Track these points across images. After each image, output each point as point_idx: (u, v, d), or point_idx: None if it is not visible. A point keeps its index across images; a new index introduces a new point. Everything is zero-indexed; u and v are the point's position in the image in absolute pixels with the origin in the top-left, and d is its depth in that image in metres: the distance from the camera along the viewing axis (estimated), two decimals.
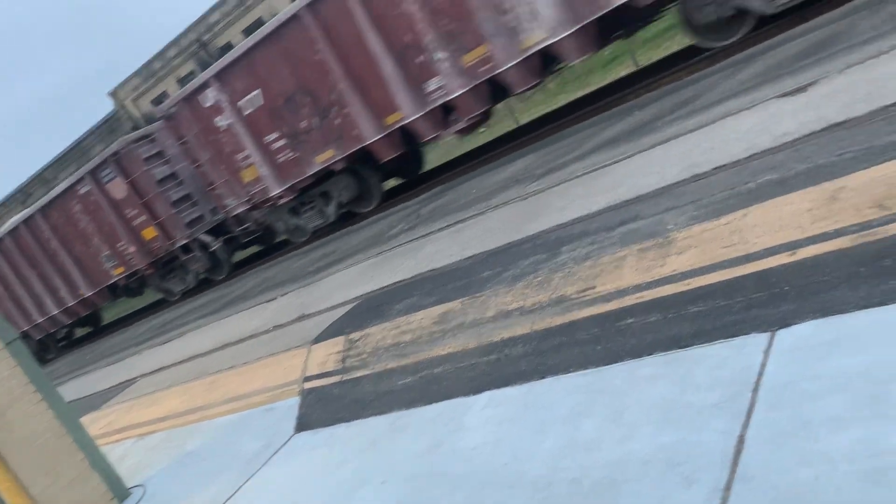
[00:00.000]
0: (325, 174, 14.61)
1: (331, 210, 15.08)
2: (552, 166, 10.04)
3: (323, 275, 11.58)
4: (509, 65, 11.54)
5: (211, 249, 18.39)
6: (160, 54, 40.89)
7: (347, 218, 15.39)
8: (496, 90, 12.10)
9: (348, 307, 8.64)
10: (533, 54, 11.28)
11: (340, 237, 14.78)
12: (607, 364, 4.32)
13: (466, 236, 8.90)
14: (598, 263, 5.77)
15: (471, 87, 11.99)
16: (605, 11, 10.41)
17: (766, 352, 3.53)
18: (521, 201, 9.13)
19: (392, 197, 15.16)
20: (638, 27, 12.34)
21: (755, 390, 3.30)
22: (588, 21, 10.59)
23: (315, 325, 8.65)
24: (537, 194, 8.98)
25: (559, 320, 5.26)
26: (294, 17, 13.07)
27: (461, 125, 12.60)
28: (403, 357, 6.28)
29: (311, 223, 15.64)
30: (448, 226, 10.07)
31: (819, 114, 6.14)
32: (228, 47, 36.43)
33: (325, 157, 14.13)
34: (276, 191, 15.19)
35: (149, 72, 41.73)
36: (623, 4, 10.32)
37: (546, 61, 11.66)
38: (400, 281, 8.54)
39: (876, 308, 3.39)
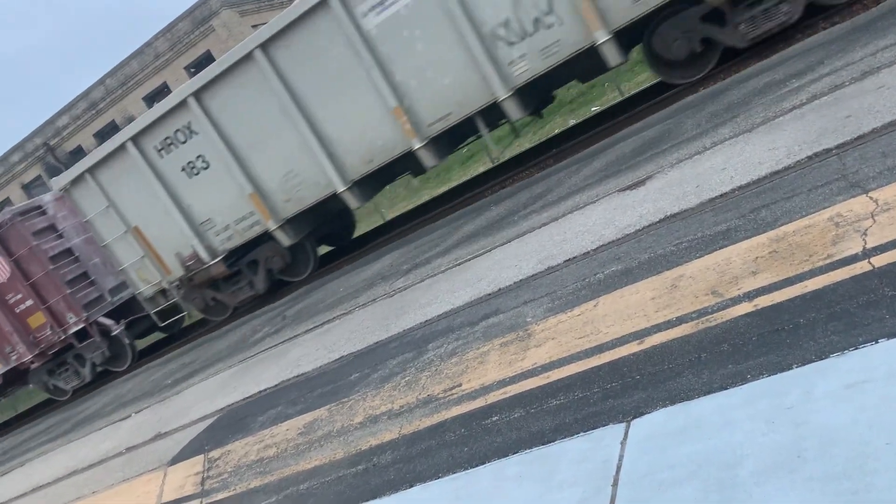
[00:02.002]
0: None
1: None
2: (417, 261, 10.14)
3: (182, 387, 10.92)
4: None
5: None
6: (2, 159, 38.57)
7: None
8: None
9: (209, 422, 8.15)
10: None
11: (202, 344, 14.10)
12: (474, 466, 4.26)
13: (333, 337, 8.73)
14: (464, 360, 5.79)
15: None
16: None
17: (623, 443, 3.60)
18: (387, 298, 9.11)
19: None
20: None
21: (615, 484, 3.34)
22: None
23: (172, 445, 8.06)
24: (403, 291, 9.00)
25: (427, 422, 5.18)
26: None
27: None
28: (267, 474, 5.94)
29: None
30: (315, 327, 9.86)
31: (656, 206, 6.60)
32: (79, 151, 34.96)
33: None
34: None
35: None
36: (9, 369, 16.72)
37: None
38: (264, 390, 8.19)
39: (718, 393, 3.57)
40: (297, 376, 7.99)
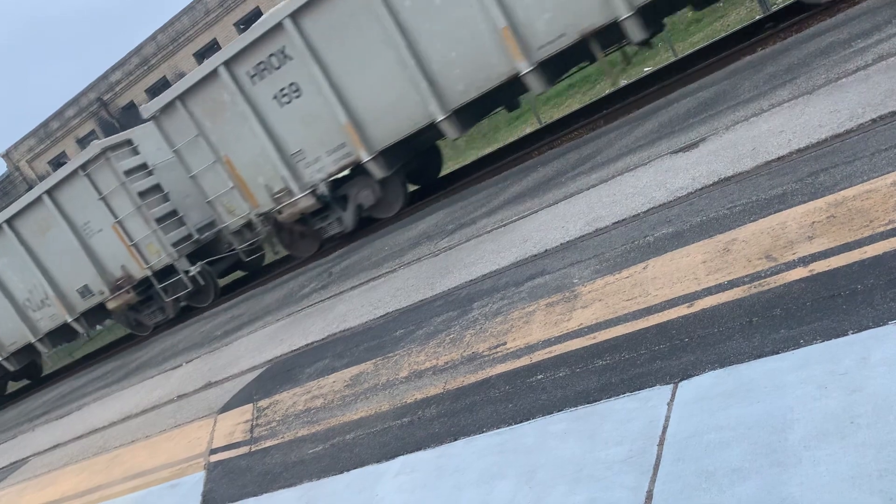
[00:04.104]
0: None
1: None
2: (462, 222, 10.14)
3: (231, 338, 11.21)
4: None
5: None
6: (58, 114, 39.48)
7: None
8: None
9: (257, 372, 8.37)
10: None
11: (250, 298, 14.40)
12: (519, 422, 4.31)
13: (379, 294, 8.83)
14: (509, 319, 5.81)
15: None
16: None
17: (670, 404, 3.60)
18: (432, 257, 9.15)
19: None
20: None
21: (661, 444, 3.35)
22: None
23: (222, 393, 8.32)
24: (448, 250, 9.03)
25: (472, 378, 5.24)
26: None
27: None
28: (314, 424, 6.09)
29: None
30: (361, 284, 9.98)
31: (710, 169, 6.47)
32: (131, 106, 35.58)
33: None
34: None
35: (45, 132, 40.17)
36: None
37: None
38: (311, 343, 8.36)
39: (769, 357, 3.53)
40: (344, 331, 8.13)
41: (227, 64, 12.92)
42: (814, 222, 4.50)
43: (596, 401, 4.05)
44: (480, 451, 4.22)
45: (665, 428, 3.44)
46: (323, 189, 13.10)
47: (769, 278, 4.18)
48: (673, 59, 14.77)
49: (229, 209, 14.24)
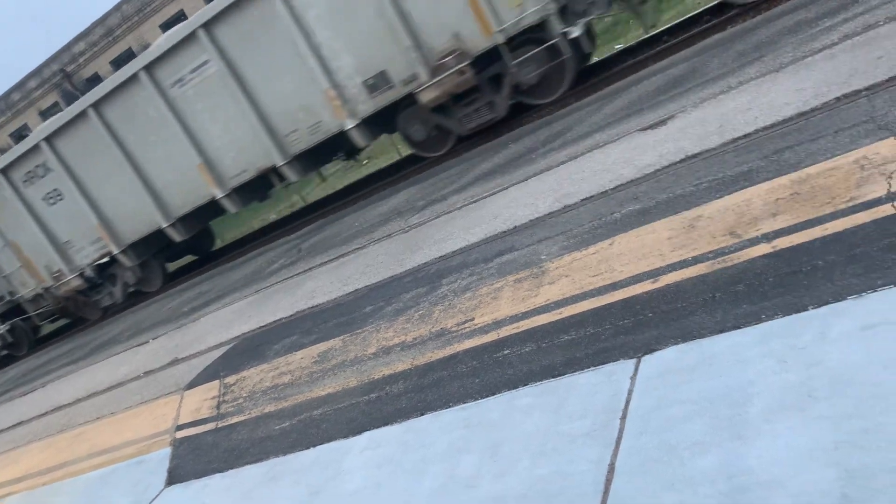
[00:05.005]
0: None
1: None
2: (433, 198, 10.11)
3: (198, 315, 11.09)
4: None
5: None
6: (19, 85, 38.47)
7: None
8: None
9: (224, 349, 8.29)
10: None
11: (218, 274, 14.27)
12: (485, 397, 4.32)
13: (348, 271, 8.78)
14: (477, 295, 5.82)
15: None
16: None
17: (633, 378, 3.63)
18: (402, 234, 9.12)
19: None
20: None
21: (623, 417, 3.38)
22: None
23: (189, 370, 8.24)
24: (418, 227, 9.00)
25: (439, 354, 5.25)
26: None
27: None
28: (282, 400, 6.07)
29: None
30: (330, 260, 9.92)
31: (677, 146, 6.50)
32: (96, 78, 34.74)
33: None
34: None
35: (7, 104, 39.15)
36: None
37: None
38: (279, 319, 8.30)
39: (731, 332, 3.57)
40: (312, 307, 8.08)
41: (3, 171, 15.98)
42: (778, 199, 4.54)
43: (561, 375, 4.07)
44: (446, 426, 4.23)
45: (628, 402, 3.47)
46: (89, 272, 16.44)
47: (733, 254, 4.23)
48: (644, 35, 14.76)
49: (22, 282, 17.75)
